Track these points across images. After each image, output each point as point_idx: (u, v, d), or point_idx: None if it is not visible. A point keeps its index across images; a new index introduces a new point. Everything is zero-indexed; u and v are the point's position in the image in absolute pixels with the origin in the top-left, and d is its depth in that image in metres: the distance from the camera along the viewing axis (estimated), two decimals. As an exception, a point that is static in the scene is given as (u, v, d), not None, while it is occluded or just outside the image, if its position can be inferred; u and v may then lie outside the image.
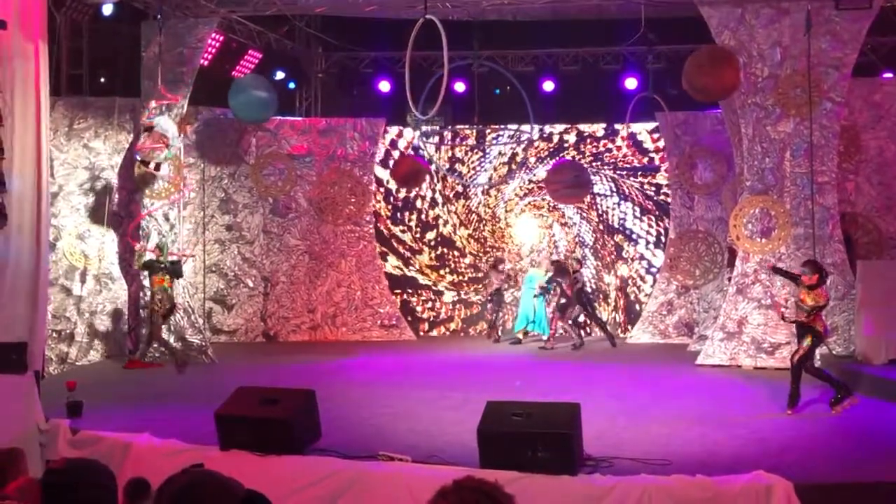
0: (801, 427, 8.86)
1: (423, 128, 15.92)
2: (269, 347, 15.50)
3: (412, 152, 16.56)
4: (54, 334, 13.20)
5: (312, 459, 7.55)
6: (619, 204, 16.60)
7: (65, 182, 13.68)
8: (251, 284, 16.11)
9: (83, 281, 13.81)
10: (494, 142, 16.99)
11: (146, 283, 13.45)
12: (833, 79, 12.41)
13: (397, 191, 16.82)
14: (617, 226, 16.62)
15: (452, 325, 17.03)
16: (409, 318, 16.64)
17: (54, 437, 8.53)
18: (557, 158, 16.50)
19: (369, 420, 9.31)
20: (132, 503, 4.58)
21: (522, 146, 16.59)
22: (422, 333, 16.75)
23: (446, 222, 17.04)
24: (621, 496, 6.62)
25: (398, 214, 17.00)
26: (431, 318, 17.01)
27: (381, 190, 16.90)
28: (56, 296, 13.47)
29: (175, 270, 13.26)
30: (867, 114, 14.00)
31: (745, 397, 10.52)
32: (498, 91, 16.63)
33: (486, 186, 16.95)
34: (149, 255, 13.46)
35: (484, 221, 17.08)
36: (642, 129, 16.35)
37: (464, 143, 17.07)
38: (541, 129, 15.89)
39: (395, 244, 16.96)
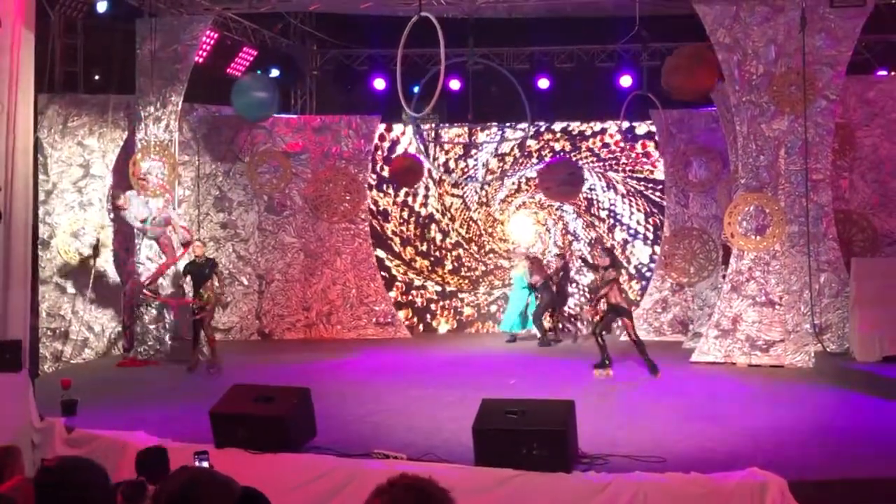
0: (795, 424, 8.87)
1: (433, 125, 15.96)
2: (265, 345, 15.48)
3: (412, 151, 16.54)
4: (49, 332, 13.20)
5: (308, 457, 7.56)
6: (613, 228, 16.59)
7: (59, 179, 13.68)
8: (246, 282, 16.09)
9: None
10: (491, 139, 16.97)
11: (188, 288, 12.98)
12: (828, 76, 12.43)
13: (423, 211, 16.86)
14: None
15: (427, 293, 16.98)
16: (385, 276, 16.59)
17: (49, 435, 8.53)
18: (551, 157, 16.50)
19: (365, 418, 9.31)
20: (129, 504, 4.56)
21: (517, 143, 16.58)
22: (400, 298, 16.72)
23: (453, 222, 17.04)
24: (616, 493, 6.63)
25: (425, 231, 17.01)
26: (407, 281, 16.97)
27: (412, 216, 16.93)
28: (50, 294, 13.47)
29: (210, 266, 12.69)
30: (861, 111, 14.04)
31: (739, 394, 10.53)
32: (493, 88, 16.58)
33: (482, 181, 16.91)
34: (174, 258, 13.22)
35: (477, 212, 17.04)
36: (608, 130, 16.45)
37: (463, 140, 17.03)
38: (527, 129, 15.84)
39: (419, 262, 16.99)
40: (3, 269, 8.83)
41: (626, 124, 15.67)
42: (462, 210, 17.02)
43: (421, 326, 16.89)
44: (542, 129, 16.60)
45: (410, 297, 16.94)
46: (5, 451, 4.71)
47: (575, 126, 16.65)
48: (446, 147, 16.86)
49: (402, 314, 16.61)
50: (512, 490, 6.78)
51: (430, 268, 16.95)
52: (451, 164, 16.98)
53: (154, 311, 13.60)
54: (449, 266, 16.98)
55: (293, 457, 7.44)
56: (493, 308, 16.81)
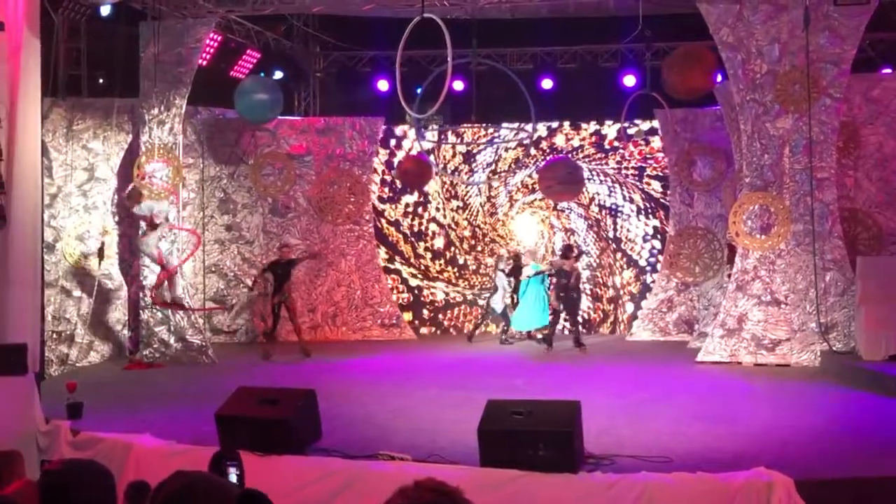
0: (801, 423, 8.86)
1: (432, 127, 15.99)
2: (270, 347, 15.45)
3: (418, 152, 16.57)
4: (54, 335, 13.21)
5: (313, 459, 7.55)
6: (616, 252, 16.58)
7: (63, 183, 13.70)
8: (251, 284, 16.09)
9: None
10: (496, 140, 16.95)
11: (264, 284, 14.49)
12: (832, 75, 12.40)
13: (445, 221, 16.87)
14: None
15: (413, 271, 17.01)
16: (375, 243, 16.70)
17: (55, 438, 8.52)
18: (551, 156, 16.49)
19: (370, 419, 9.30)
20: (132, 506, 4.56)
21: (522, 143, 16.56)
22: (382, 263, 16.74)
23: (464, 211, 17.06)
24: (622, 493, 6.61)
25: (450, 239, 17.04)
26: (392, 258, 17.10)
27: (439, 228, 17.00)
28: (56, 297, 13.48)
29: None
30: (866, 109, 13.97)
31: (745, 394, 10.51)
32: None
33: (485, 183, 16.91)
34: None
35: (482, 212, 17.07)
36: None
37: (471, 143, 17.01)
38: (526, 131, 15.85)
39: (448, 272, 17.05)
40: (7, 273, 8.84)
41: (632, 130, 15.70)
42: (473, 197, 17.05)
43: (410, 296, 16.92)
44: (533, 139, 16.55)
45: (397, 266, 17.00)
46: (6, 456, 4.70)
47: (573, 131, 16.63)
48: (468, 144, 16.85)
49: (389, 281, 16.71)
50: (517, 490, 6.77)
51: (457, 273, 17.00)
52: (466, 163, 17.01)
53: (159, 314, 13.62)
54: (472, 267, 17.01)
55: (298, 458, 7.43)
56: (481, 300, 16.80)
